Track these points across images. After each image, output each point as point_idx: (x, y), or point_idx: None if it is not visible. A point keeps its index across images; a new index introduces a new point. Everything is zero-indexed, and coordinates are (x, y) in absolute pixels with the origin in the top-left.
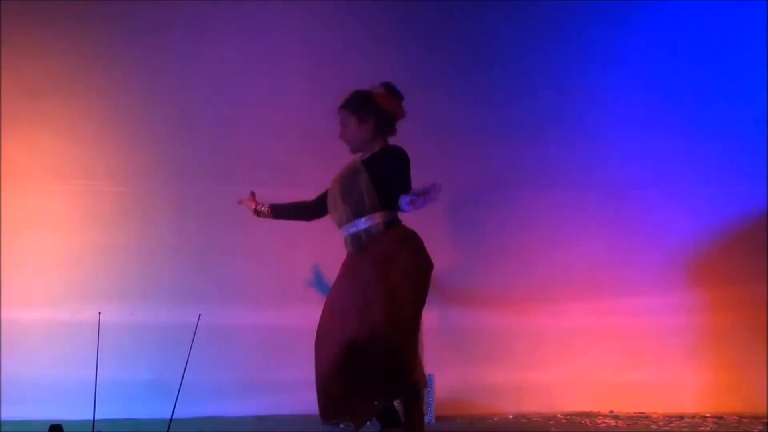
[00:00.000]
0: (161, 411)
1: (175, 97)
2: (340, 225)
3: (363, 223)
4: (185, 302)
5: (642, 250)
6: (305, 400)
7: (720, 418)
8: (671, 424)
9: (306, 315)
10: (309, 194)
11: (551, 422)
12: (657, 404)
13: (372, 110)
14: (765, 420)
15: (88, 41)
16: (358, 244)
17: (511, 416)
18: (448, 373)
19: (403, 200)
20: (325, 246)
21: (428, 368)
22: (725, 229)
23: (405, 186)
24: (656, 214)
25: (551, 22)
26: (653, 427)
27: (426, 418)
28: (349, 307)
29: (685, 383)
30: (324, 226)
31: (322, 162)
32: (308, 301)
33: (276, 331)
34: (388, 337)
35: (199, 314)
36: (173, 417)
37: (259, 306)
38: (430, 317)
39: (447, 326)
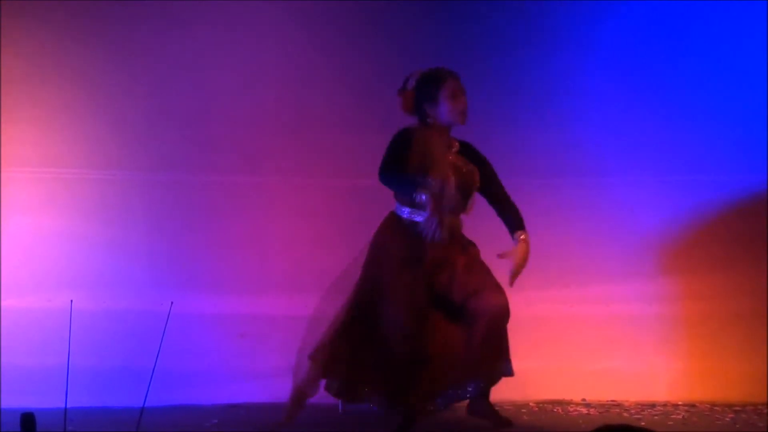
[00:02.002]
0: (133, 399)
1: (150, 87)
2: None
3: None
4: (157, 290)
5: (613, 239)
6: (278, 388)
7: (692, 406)
8: (643, 413)
9: (280, 303)
10: (279, 183)
11: (523, 410)
12: (629, 392)
13: None
14: (736, 408)
15: (63, 31)
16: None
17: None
18: None
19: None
20: (299, 235)
21: None
22: (697, 218)
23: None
24: (627, 202)
25: (527, 7)
26: (625, 415)
27: None
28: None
29: (657, 371)
30: (297, 212)
31: (294, 151)
32: (282, 289)
33: (249, 319)
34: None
35: (171, 302)
36: (145, 405)
37: (233, 294)
38: None
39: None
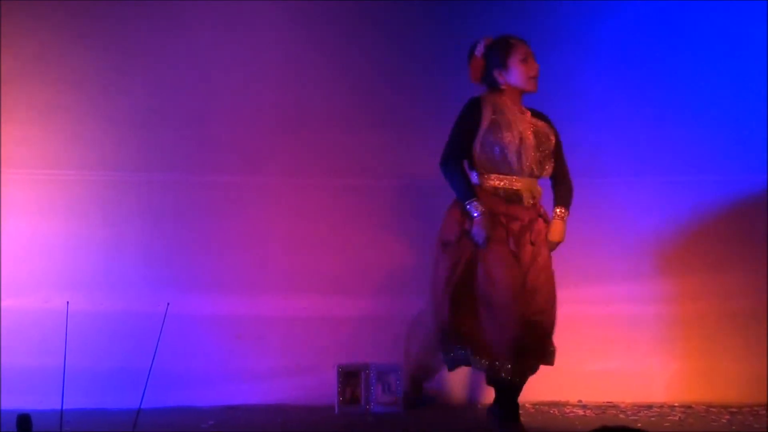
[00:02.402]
0: (130, 401)
1: (147, 87)
2: (526, 173)
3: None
4: (154, 291)
5: (610, 239)
6: (276, 389)
7: (688, 407)
8: (640, 414)
9: (277, 304)
10: (277, 183)
11: (520, 412)
12: (625, 393)
13: None
14: (733, 409)
15: (61, 31)
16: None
17: (479, 406)
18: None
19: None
20: (297, 235)
21: (395, 358)
22: (694, 219)
23: (566, 167)
24: (625, 202)
25: (527, 7)
26: (622, 416)
27: (395, 408)
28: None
29: (654, 373)
30: (295, 212)
31: (292, 151)
32: (280, 289)
33: (246, 320)
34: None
35: (168, 303)
36: (142, 407)
37: (230, 294)
38: (402, 307)
39: (413, 315)
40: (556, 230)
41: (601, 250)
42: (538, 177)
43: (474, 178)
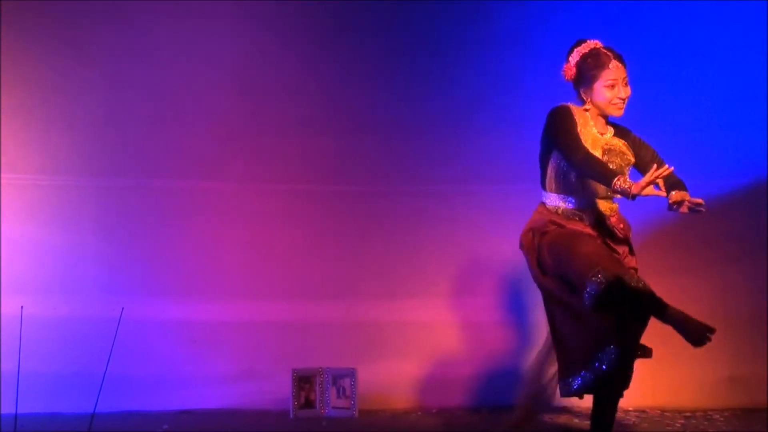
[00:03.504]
0: (85, 405)
1: (103, 93)
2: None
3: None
4: (109, 296)
5: None
6: (229, 394)
7: (642, 411)
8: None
9: (232, 309)
10: (230, 187)
11: (475, 416)
12: (578, 399)
13: None
14: (687, 414)
15: (16, 34)
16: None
17: (434, 410)
18: (371, 367)
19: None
20: (250, 239)
21: (352, 362)
22: (647, 224)
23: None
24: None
25: (527, 8)
26: (576, 420)
27: (349, 412)
28: None
29: None
30: (250, 218)
31: (249, 156)
32: (234, 295)
33: (200, 325)
34: None
35: (122, 308)
36: (96, 411)
37: (184, 300)
38: (355, 311)
39: (371, 321)
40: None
41: None
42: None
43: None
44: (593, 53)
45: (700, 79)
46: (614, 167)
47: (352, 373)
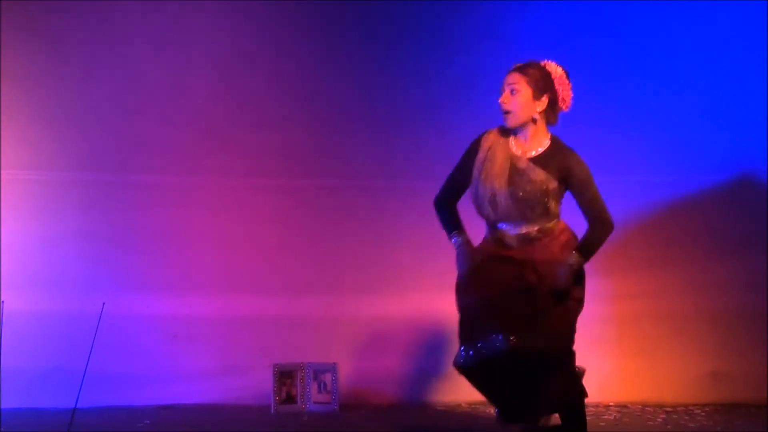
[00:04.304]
0: (65, 400)
1: (80, 87)
2: (504, 220)
3: (534, 225)
4: (90, 291)
5: None
6: (212, 389)
7: (624, 406)
8: None
9: (210, 303)
10: (210, 181)
11: (456, 411)
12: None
13: (549, 89)
14: (668, 409)
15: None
16: (526, 242)
17: (415, 405)
18: (352, 362)
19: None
20: (230, 234)
21: (333, 357)
22: (629, 218)
23: (594, 207)
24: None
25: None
26: (557, 415)
27: (330, 407)
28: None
29: (589, 372)
30: (231, 213)
31: (225, 150)
32: (216, 290)
33: (182, 320)
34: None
35: (104, 303)
36: (77, 406)
37: (165, 295)
38: (336, 306)
39: (352, 316)
40: (553, 278)
41: None
42: (525, 222)
43: None
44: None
45: (700, 79)
46: (522, 195)
47: (333, 368)
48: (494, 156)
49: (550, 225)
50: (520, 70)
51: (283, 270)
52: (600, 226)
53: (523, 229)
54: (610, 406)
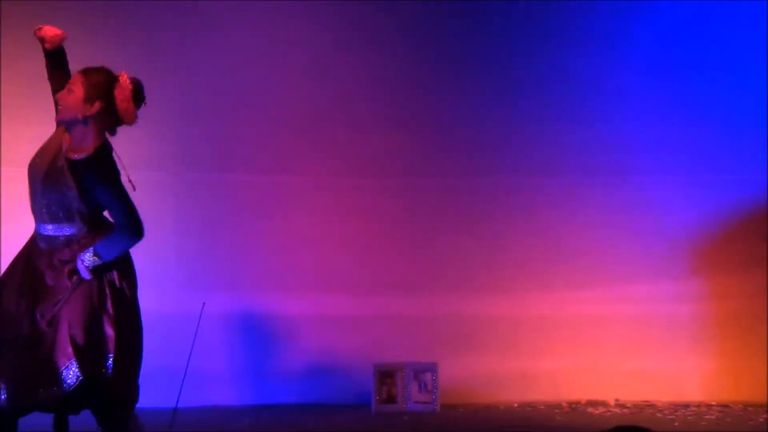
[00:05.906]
0: (166, 401)
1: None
2: (39, 220)
3: (67, 230)
4: (190, 291)
5: (644, 239)
6: (311, 389)
7: (725, 406)
8: (677, 413)
9: (309, 303)
10: (309, 182)
11: (556, 411)
12: (662, 393)
13: (104, 97)
14: None
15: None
16: (55, 247)
17: (516, 405)
18: (452, 361)
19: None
20: (329, 234)
21: (433, 357)
22: (727, 217)
23: (118, 207)
24: (658, 201)
25: (559, 12)
26: (659, 415)
27: (431, 407)
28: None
29: (690, 371)
30: (329, 213)
31: (315, 151)
32: (313, 290)
33: (281, 320)
34: None
35: (203, 303)
36: (178, 406)
37: (265, 294)
38: (435, 305)
39: (451, 315)
40: None
41: (635, 249)
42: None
43: None
44: None
45: (702, 69)
46: (45, 200)
47: (433, 368)
48: (48, 144)
49: (76, 231)
50: (84, 71)
51: (383, 270)
52: (119, 231)
53: (52, 232)
54: (712, 405)
